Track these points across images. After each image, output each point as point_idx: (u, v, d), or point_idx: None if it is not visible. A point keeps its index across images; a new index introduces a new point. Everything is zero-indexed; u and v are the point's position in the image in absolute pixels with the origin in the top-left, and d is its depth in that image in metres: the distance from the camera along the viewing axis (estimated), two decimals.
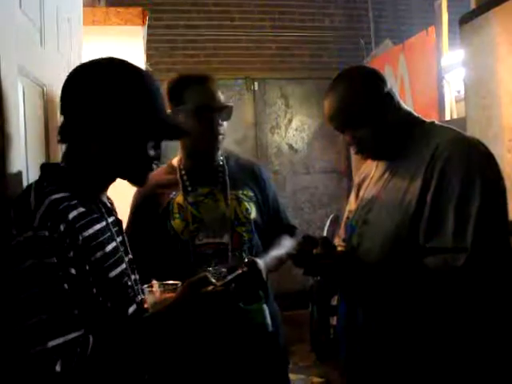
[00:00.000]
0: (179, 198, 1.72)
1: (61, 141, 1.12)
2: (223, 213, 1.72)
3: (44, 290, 0.90)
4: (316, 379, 3.61)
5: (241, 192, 1.79)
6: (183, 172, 1.78)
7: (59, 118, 1.57)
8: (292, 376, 3.66)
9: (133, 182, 1.17)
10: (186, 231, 1.69)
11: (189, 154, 1.80)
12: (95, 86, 1.07)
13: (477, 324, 1.32)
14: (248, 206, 1.78)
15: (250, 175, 1.86)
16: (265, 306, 1.60)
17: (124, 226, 1.31)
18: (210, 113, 1.70)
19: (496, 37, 2.15)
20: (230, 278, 1.15)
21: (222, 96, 1.77)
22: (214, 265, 1.61)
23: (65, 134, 1.10)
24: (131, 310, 1.12)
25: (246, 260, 1.58)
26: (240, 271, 1.17)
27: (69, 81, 1.11)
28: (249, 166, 1.90)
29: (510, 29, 2.06)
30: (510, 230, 1.32)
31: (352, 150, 1.52)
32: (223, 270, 1.33)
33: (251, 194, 1.81)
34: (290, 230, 1.92)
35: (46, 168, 1.09)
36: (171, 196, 1.74)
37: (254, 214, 1.78)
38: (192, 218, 1.70)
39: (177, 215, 1.71)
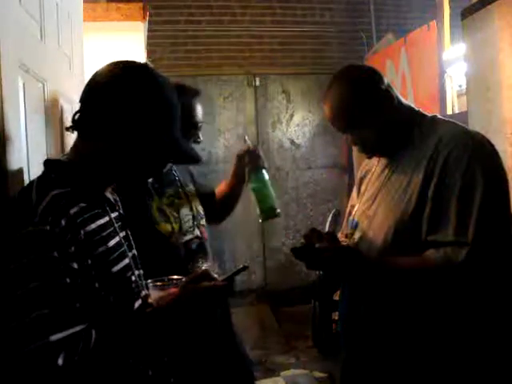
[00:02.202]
0: (156, 202, 1.76)
1: (72, 128, 1.12)
2: (190, 209, 1.84)
3: (45, 284, 0.90)
4: (318, 374, 3.62)
5: (189, 189, 1.91)
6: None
7: (60, 113, 1.57)
8: (294, 371, 3.69)
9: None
10: (172, 232, 1.74)
11: None
12: (123, 88, 1.07)
13: (478, 318, 1.32)
14: (198, 201, 1.92)
15: (185, 172, 1.97)
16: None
17: None
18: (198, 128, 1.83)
19: (498, 30, 2.14)
20: (231, 272, 1.15)
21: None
22: (200, 259, 1.75)
23: (78, 123, 1.10)
24: (137, 304, 1.12)
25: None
26: (241, 266, 1.17)
27: (100, 74, 1.11)
28: (183, 166, 2.00)
29: None
30: None
31: (356, 149, 1.52)
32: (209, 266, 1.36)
33: (193, 188, 1.94)
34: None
35: (48, 163, 1.09)
36: (147, 203, 1.75)
37: (202, 209, 1.93)
38: (173, 218, 1.77)
39: (160, 219, 1.74)
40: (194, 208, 1.86)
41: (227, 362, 1.82)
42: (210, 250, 1.87)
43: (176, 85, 1.79)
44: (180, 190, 1.86)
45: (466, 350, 1.32)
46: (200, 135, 1.88)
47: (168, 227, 1.74)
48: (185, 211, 1.82)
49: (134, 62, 1.15)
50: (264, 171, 1.90)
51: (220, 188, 2.09)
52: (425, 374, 1.34)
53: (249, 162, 1.89)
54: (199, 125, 1.85)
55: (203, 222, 1.89)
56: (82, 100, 1.11)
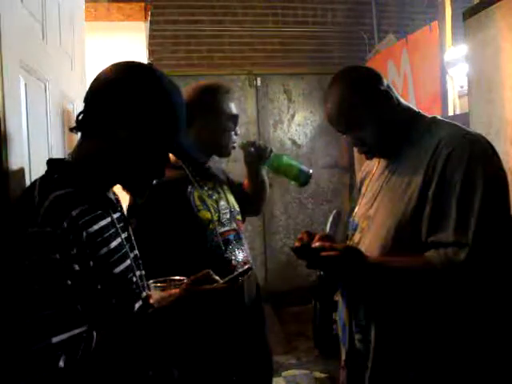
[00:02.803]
0: (197, 193, 1.83)
1: (76, 129, 1.12)
2: (227, 203, 1.93)
3: (47, 286, 0.90)
4: (319, 374, 3.62)
5: (225, 187, 2.00)
6: (190, 169, 1.86)
7: (62, 113, 1.57)
8: (295, 371, 3.70)
9: (132, 192, 1.16)
10: (212, 221, 1.81)
11: (201, 152, 1.87)
12: (128, 89, 1.07)
13: (478, 318, 1.32)
14: (233, 198, 2.02)
15: (220, 172, 2.09)
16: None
17: None
18: (236, 121, 1.93)
19: (500, 31, 2.14)
20: (235, 274, 1.15)
21: None
22: (237, 250, 1.84)
23: (82, 123, 1.10)
24: (137, 305, 1.12)
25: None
26: (245, 268, 1.17)
27: (105, 74, 1.11)
28: (216, 166, 2.12)
29: None
30: None
31: (356, 151, 1.53)
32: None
33: (227, 188, 2.04)
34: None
35: (51, 163, 1.09)
36: (189, 190, 1.82)
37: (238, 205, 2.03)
38: (213, 208, 1.84)
39: (201, 207, 1.81)
40: (231, 203, 1.95)
41: (253, 351, 1.87)
42: (246, 244, 1.95)
43: (209, 86, 1.91)
44: (217, 184, 1.96)
45: (465, 351, 1.32)
46: (237, 128, 1.96)
47: (208, 215, 1.80)
48: (223, 204, 1.90)
49: (139, 63, 1.15)
50: (272, 155, 1.99)
51: (244, 183, 2.19)
52: (425, 372, 1.34)
53: (257, 156, 1.99)
54: (237, 118, 1.93)
55: (239, 217, 1.97)
56: (87, 100, 1.11)
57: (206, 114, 1.84)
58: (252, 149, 1.99)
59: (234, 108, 1.91)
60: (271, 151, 2.00)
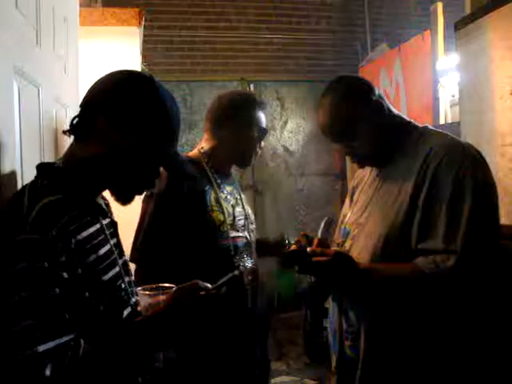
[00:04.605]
0: (214, 193, 1.83)
1: (69, 132, 1.11)
2: (243, 210, 1.94)
3: (35, 294, 0.89)
4: (309, 381, 3.61)
5: (242, 195, 2.01)
6: (212, 170, 1.88)
7: (55, 118, 1.57)
8: (285, 378, 3.69)
9: (118, 198, 1.15)
10: (224, 224, 1.81)
11: (227, 157, 1.92)
12: (126, 97, 1.07)
13: (466, 327, 1.33)
14: (250, 208, 2.02)
15: (238, 181, 2.10)
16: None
17: (123, 222, 1.31)
18: (264, 136, 1.95)
19: (491, 42, 2.16)
20: (221, 281, 1.15)
21: None
22: (246, 256, 1.84)
23: (76, 127, 1.10)
24: (126, 312, 1.12)
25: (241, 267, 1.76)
26: (231, 275, 1.17)
27: (104, 81, 1.11)
28: (233, 175, 2.14)
29: (505, 34, 2.07)
30: (501, 234, 1.33)
31: (348, 160, 1.54)
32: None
33: (244, 197, 2.03)
34: None
35: (41, 168, 1.09)
36: (206, 189, 1.81)
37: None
38: (227, 212, 1.84)
39: (215, 208, 1.81)
40: (247, 211, 1.96)
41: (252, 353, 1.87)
42: (255, 253, 1.95)
43: (249, 96, 1.98)
44: (236, 191, 1.97)
45: (454, 358, 1.33)
46: (263, 143, 1.99)
47: (220, 217, 1.80)
48: (239, 210, 1.91)
49: (139, 73, 1.16)
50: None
51: None
52: (414, 378, 1.34)
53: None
54: (265, 133, 1.96)
55: (252, 227, 1.98)
56: (84, 104, 1.11)
57: (242, 122, 1.87)
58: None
59: (264, 123, 1.94)
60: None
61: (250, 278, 1.82)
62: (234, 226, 1.84)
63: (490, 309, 1.36)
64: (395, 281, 1.34)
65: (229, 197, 1.89)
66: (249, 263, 1.84)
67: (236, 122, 1.86)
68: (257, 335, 1.87)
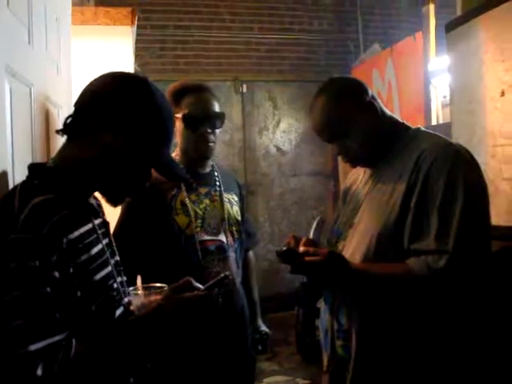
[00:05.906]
0: (182, 196, 1.80)
1: (62, 131, 1.11)
2: (220, 212, 1.86)
3: (26, 293, 0.89)
4: (301, 381, 3.62)
5: (230, 196, 1.94)
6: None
7: (46, 117, 1.57)
8: (278, 378, 3.70)
9: (109, 199, 1.15)
10: (190, 227, 1.77)
11: (185, 156, 1.89)
12: (122, 99, 1.07)
13: (457, 327, 1.34)
14: (237, 209, 1.95)
15: (233, 182, 2.05)
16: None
17: (114, 223, 1.31)
18: (201, 122, 1.82)
19: (481, 43, 2.18)
20: (212, 282, 1.15)
21: (216, 104, 1.89)
22: (218, 262, 1.77)
23: (69, 127, 1.10)
24: (118, 312, 1.12)
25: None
26: (221, 276, 1.17)
27: (100, 81, 1.10)
28: (231, 175, 2.13)
29: (496, 36, 2.08)
30: (492, 235, 1.34)
31: (341, 160, 1.55)
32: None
33: (236, 198, 1.98)
34: (253, 239, 2.15)
35: (33, 168, 1.08)
36: (173, 193, 1.80)
37: (240, 216, 1.95)
38: (195, 214, 1.79)
39: (180, 211, 1.79)
40: (228, 213, 1.88)
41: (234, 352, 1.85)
42: (236, 258, 1.86)
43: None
44: (216, 193, 1.89)
45: (445, 359, 1.34)
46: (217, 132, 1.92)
47: (185, 220, 1.77)
48: (212, 212, 1.83)
49: (133, 75, 1.17)
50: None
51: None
52: (404, 381, 1.35)
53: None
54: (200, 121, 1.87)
55: (235, 229, 1.89)
56: (78, 104, 1.10)
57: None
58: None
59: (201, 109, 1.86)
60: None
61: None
62: (203, 229, 1.79)
63: (481, 309, 1.37)
64: (387, 281, 1.35)
65: (201, 198, 1.84)
66: (218, 269, 1.74)
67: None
68: (235, 333, 1.85)
